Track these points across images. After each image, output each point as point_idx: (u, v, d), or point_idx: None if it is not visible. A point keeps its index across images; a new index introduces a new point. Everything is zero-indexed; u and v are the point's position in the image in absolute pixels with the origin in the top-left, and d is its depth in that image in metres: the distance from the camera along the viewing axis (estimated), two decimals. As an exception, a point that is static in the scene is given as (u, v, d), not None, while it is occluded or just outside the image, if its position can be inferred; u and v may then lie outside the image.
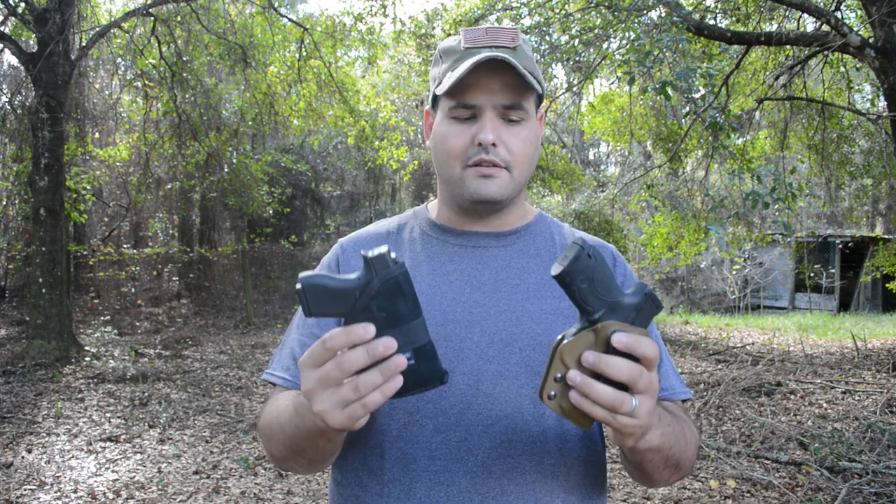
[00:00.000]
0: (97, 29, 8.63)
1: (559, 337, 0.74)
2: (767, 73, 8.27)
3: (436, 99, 1.02)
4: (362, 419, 0.70)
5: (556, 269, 0.72)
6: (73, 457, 4.49)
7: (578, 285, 0.71)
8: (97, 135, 11.43)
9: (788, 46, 7.21)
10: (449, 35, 7.67)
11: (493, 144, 0.95)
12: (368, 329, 0.67)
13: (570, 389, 0.71)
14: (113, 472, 4.22)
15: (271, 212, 12.04)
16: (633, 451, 0.81)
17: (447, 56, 0.99)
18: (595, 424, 0.96)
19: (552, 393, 0.73)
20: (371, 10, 9.24)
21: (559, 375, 0.72)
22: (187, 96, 9.44)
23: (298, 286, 0.68)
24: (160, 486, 3.95)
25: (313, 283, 0.68)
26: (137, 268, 13.00)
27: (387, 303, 0.68)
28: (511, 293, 0.99)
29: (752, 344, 9.70)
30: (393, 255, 0.69)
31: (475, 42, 0.96)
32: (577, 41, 6.78)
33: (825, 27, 6.25)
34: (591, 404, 0.69)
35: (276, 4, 9.18)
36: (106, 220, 13.49)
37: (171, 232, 15.05)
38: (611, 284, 0.72)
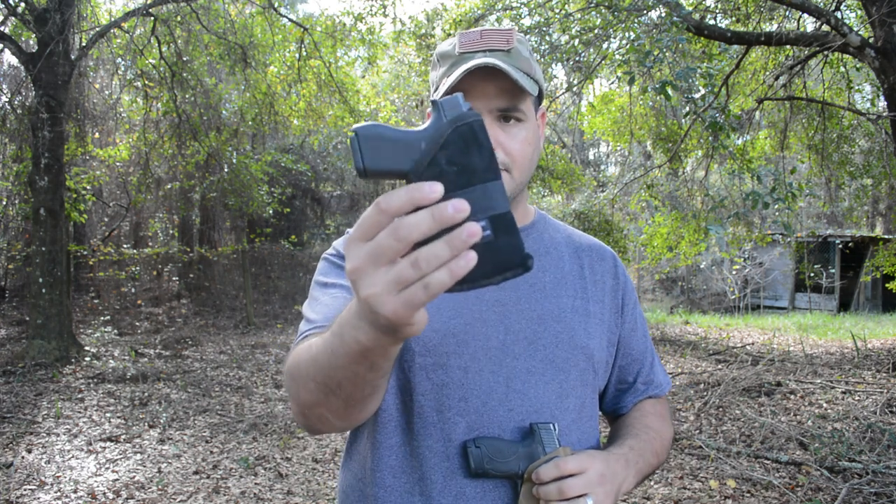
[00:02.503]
0: (97, 29, 8.63)
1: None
2: (767, 73, 8.27)
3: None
4: (421, 313, 0.56)
5: (470, 474, 0.92)
6: (73, 457, 4.48)
7: (493, 471, 0.89)
8: (97, 135, 11.43)
9: (788, 46, 7.20)
10: (449, 35, 7.69)
11: None
12: (435, 187, 0.52)
13: None
14: (113, 472, 4.22)
15: (271, 212, 12.04)
16: None
17: (443, 60, 0.99)
18: (595, 431, 1.07)
19: None
20: (371, 10, 9.24)
21: None
22: (187, 96, 9.44)
23: (352, 135, 0.56)
24: (160, 486, 3.95)
25: (370, 131, 0.56)
26: (137, 268, 12.99)
27: (459, 154, 0.55)
28: (529, 291, 1.01)
29: (752, 344, 9.70)
30: (468, 103, 0.58)
31: (470, 46, 0.96)
32: (577, 41, 6.77)
33: (825, 27, 6.25)
34: None
35: (276, 4, 9.18)
36: (106, 220, 13.49)
37: (171, 232, 15.05)
38: (504, 449, 0.90)
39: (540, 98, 1.03)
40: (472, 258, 0.51)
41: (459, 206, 0.51)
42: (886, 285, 12.72)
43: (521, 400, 0.95)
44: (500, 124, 0.96)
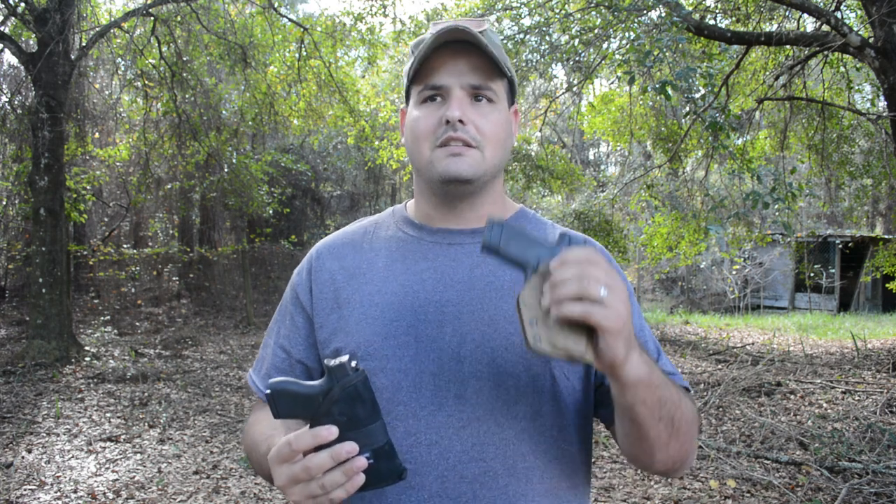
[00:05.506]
0: (97, 29, 8.63)
1: (517, 295, 0.79)
2: (767, 73, 8.27)
3: (409, 96, 1.03)
4: None
5: (482, 243, 0.79)
6: (73, 457, 4.48)
7: (504, 250, 0.78)
8: (97, 135, 11.43)
9: (788, 46, 7.20)
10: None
11: (461, 121, 0.93)
12: (332, 431, 0.75)
13: (548, 327, 0.74)
14: (113, 472, 4.22)
15: (271, 212, 12.03)
16: (622, 387, 0.78)
17: (416, 49, 0.99)
18: (579, 418, 0.96)
19: (537, 337, 0.74)
20: (371, 10, 9.24)
21: (533, 320, 0.75)
22: (187, 96, 9.44)
23: (267, 391, 0.77)
24: (160, 486, 3.95)
25: (280, 388, 0.77)
26: (137, 268, 12.99)
27: (347, 408, 0.76)
28: (484, 291, 0.96)
29: (752, 344, 9.70)
30: (353, 363, 0.77)
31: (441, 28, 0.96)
32: (577, 41, 6.78)
33: (825, 27, 6.25)
34: (566, 305, 0.71)
35: (276, 4, 9.18)
36: (106, 220, 13.49)
37: (171, 232, 15.05)
38: (530, 238, 0.79)
39: (513, 93, 1.03)
40: (360, 480, 0.76)
41: (350, 449, 0.75)
42: (886, 285, 12.72)
43: (460, 406, 0.91)
44: (472, 102, 0.96)
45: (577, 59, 7.38)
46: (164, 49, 9.00)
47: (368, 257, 1.04)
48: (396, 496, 0.91)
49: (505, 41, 6.83)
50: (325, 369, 0.77)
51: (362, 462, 0.76)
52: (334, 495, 0.76)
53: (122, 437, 4.92)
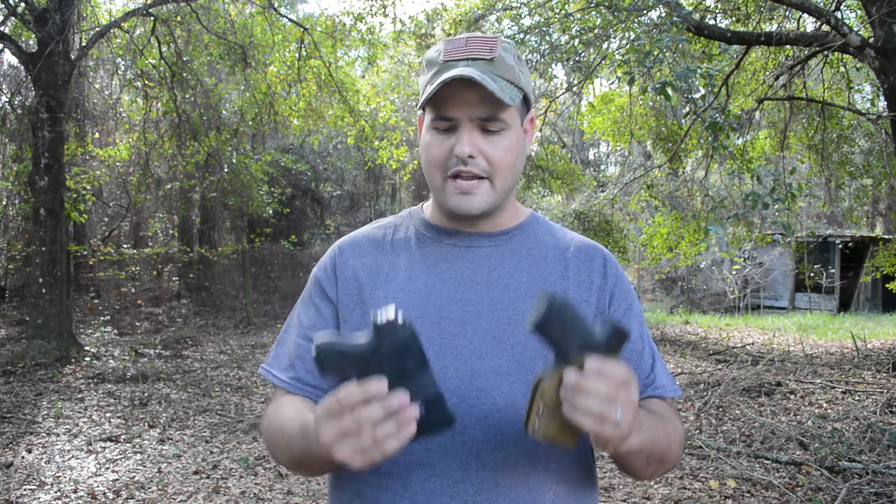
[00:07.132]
0: (97, 29, 8.63)
1: (538, 376, 0.82)
2: (767, 73, 8.27)
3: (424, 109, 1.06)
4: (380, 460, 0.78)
5: (532, 320, 0.80)
6: (73, 457, 4.49)
7: (553, 332, 0.79)
8: (97, 135, 11.43)
9: (788, 46, 7.20)
10: (448, 35, 7.69)
11: (471, 156, 0.97)
12: (382, 385, 0.75)
13: (551, 420, 0.80)
14: (113, 472, 4.22)
15: (271, 212, 12.03)
16: (616, 454, 0.89)
17: (429, 67, 1.02)
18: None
19: (537, 426, 0.81)
20: (371, 10, 9.24)
21: (541, 410, 0.80)
22: (187, 96, 9.44)
23: (313, 352, 0.77)
24: (160, 486, 3.95)
25: (327, 347, 0.77)
26: (137, 268, 12.99)
27: (397, 363, 0.76)
28: (503, 291, 1.02)
29: (752, 344, 9.70)
30: (400, 318, 0.76)
31: (453, 54, 0.98)
32: (577, 41, 6.78)
33: (825, 27, 6.25)
34: (582, 415, 0.76)
35: (276, 4, 9.18)
36: (106, 220, 13.48)
37: (171, 232, 15.05)
38: (581, 326, 0.80)
39: (527, 103, 1.05)
40: (412, 429, 0.75)
41: (402, 400, 0.74)
42: (886, 285, 12.73)
43: (483, 397, 0.96)
44: (482, 132, 0.98)
45: (577, 59, 7.39)
46: (164, 49, 9.01)
47: (390, 257, 1.08)
48: (422, 483, 0.95)
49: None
50: (373, 327, 0.76)
51: (414, 412, 0.75)
52: (386, 446, 0.75)
53: (122, 437, 4.93)
